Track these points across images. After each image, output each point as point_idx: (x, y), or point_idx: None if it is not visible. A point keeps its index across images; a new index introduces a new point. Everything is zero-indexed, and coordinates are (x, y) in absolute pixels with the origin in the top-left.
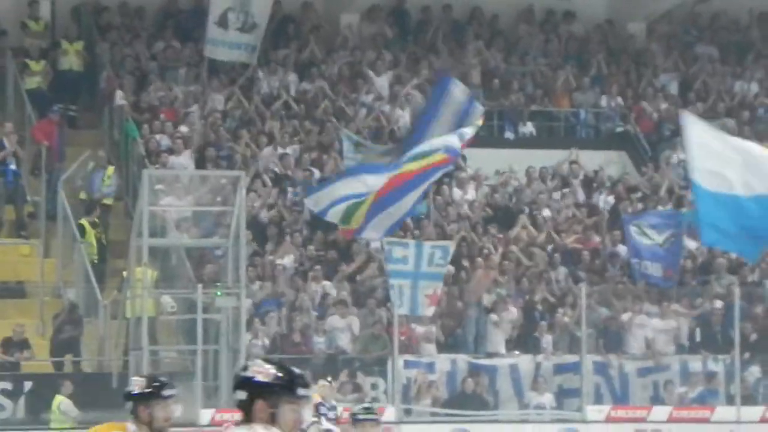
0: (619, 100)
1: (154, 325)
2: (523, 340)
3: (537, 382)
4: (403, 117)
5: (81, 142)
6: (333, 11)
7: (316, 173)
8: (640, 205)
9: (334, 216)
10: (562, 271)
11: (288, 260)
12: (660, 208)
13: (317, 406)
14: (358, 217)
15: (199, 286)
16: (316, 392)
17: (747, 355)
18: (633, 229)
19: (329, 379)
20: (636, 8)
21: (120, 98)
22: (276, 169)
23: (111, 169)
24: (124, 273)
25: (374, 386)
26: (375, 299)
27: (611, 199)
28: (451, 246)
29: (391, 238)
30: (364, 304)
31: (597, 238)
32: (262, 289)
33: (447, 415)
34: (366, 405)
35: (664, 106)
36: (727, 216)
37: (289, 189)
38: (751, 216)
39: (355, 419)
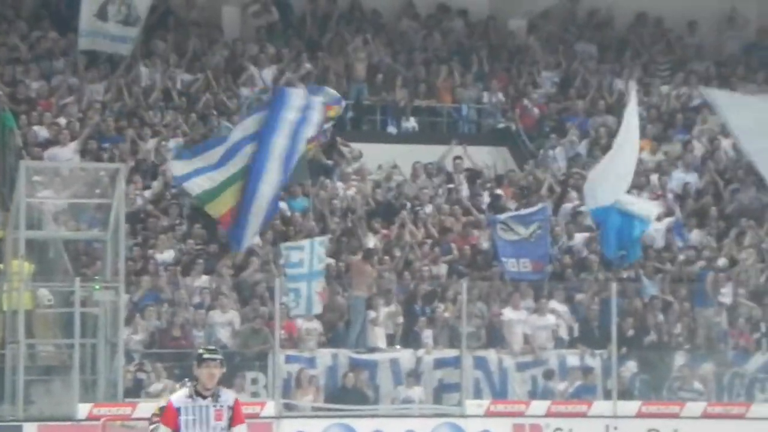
0: (501, 96)
1: (31, 319)
2: (404, 335)
3: (410, 377)
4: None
5: None
6: (215, 4)
7: None
8: (520, 202)
9: (192, 188)
10: (443, 266)
11: (168, 255)
12: (540, 204)
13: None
14: (219, 205)
15: (77, 279)
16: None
17: (624, 350)
18: (500, 228)
19: None
20: (516, 5)
21: None
22: (158, 162)
23: None
24: (0, 266)
25: (254, 381)
26: (256, 294)
27: (493, 195)
28: (326, 240)
29: (288, 243)
30: (246, 300)
31: (477, 234)
32: (141, 284)
33: (327, 409)
34: (211, 347)
35: (544, 102)
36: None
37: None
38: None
39: (200, 360)
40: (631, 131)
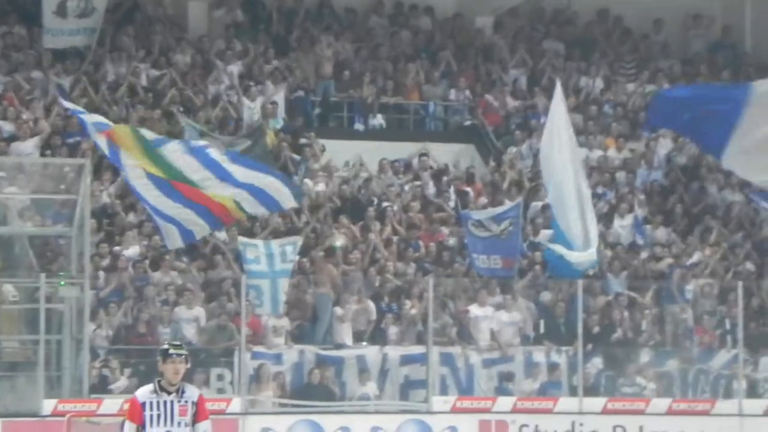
0: (468, 93)
1: None
2: (371, 332)
3: (362, 374)
4: (252, 108)
5: None
6: (181, 1)
7: None
8: (486, 199)
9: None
10: (410, 262)
11: (133, 251)
12: (507, 201)
13: None
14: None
15: (42, 275)
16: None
17: (589, 347)
18: (471, 225)
19: None
20: (483, 3)
21: None
22: None
23: None
24: None
25: (220, 377)
26: (223, 291)
27: (460, 191)
28: (299, 241)
29: (243, 239)
30: (212, 296)
31: (444, 231)
32: (107, 280)
33: (293, 405)
34: (176, 343)
35: (511, 100)
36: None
37: None
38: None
39: (165, 355)
40: (556, 126)
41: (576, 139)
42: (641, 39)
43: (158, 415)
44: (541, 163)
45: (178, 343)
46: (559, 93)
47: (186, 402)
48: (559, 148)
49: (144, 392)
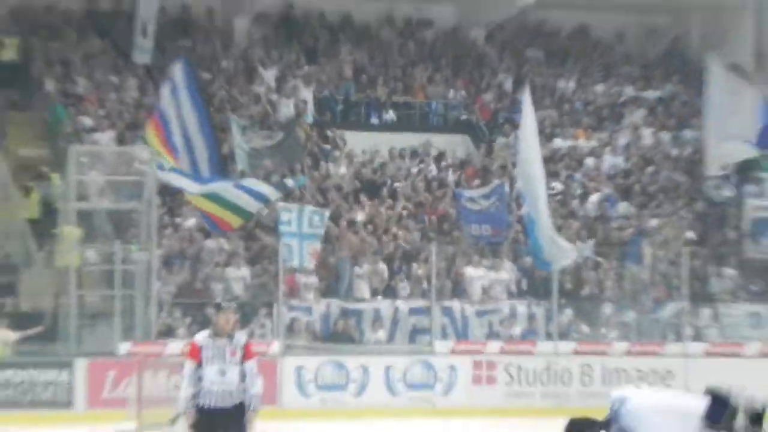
0: (464, 93)
1: (81, 274)
2: (384, 289)
3: (376, 323)
4: (287, 105)
5: (19, 121)
6: (228, 16)
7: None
8: (478, 180)
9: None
10: (417, 232)
11: (191, 222)
12: (496, 181)
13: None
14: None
15: (118, 242)
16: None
17: (563, 301)
18: (465, 201)
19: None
20: (476, 18)
21: (49, 86)
22: None
23: None
24: (56, 231)
25: (262, 326)
26: (264, 255)
27: (456, 173)
28: (326, 212)
29: (282, 204)
30: (256, 259)
31: (443, 206)
32: (170, 246)
33: (321, 348)
34: (228, 297)
35: (499, 99)
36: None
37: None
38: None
39: (218, 308)
40: (529, 133)
41: (548, 133)
42: (607, 49)
43: (213, 356)
44: (517, 159)
45: (229, 297)
46: (528, 98)
47: (235, 345)
48: (528, 144)
49: (201, 337)
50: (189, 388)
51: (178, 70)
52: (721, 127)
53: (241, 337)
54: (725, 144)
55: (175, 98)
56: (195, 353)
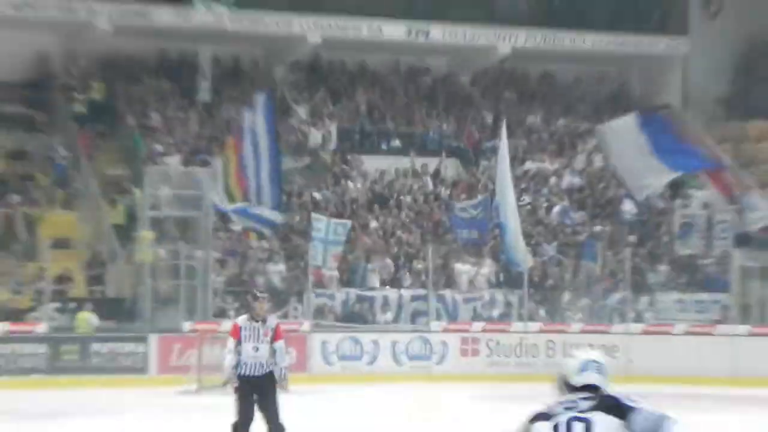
0: (454, 125)
1: (154, 268)
2: (391, 280)
3: (385, 307)
4: (315, 135)
5: (106, 148)
6: (269, 66)
7: None
8: (465, 195)
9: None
10: (417, 235)
11: (239, 226)
12: (479, 196)
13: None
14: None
15: (182, 242)
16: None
17: (532, 290)
18: (458, 210)
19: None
20: (464, 66)
21: (129, 120)
22: None
23: None
24: (135, 234)
25: (295, 309)
26: (297, 254)
27: (448, 189)
28: (349, 224)
29: (315, 215)
30: (290, 257)
31: (439, 214)
32: (223, 245)
33: (341, 327)
34: (261, 289)
35: (482, 130)
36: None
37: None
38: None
39: (254, 297)
40: (504, 159)
41: (521, 157)
42: (566, 91)
43: (249, 335)
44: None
45: (262, 290)
46: (504, 130)
47: (268, 327)
48: (503, 166)
49: (242, 319)
50: (231, 359)
51: (260, 102)
52: (633, 170)
53: (272, 320)
54: (643, 179)
55: (254, 124)
56: (236, 332)
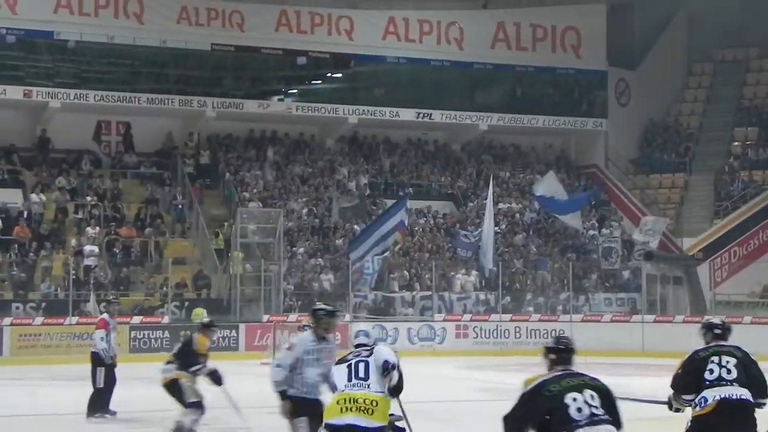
0: (449, 178)
1: (242, 278)
2: (406, 285)
3: (403, 304)
4: (354, 185)
5: (210, 196)
6: (322, 137)
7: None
8: (459, 227)
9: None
10: (425, 254)
11: (302, 248)
12: (470, 228)
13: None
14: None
15: (262, 260)
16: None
17: (504, 292)
18: (461, 236)
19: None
20: (456, 138)
21: (227, 177)
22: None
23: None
24: (230, 255)
25: (341, 305)
26: (342, 267)
27: (446, 222)
28: (387, 253)
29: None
30: (336, 269)
31: (439, 240)
32: (289, 262)
33: (372, 318)
34: (322, 302)
35: (469, 182)
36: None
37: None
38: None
39: (332, 314)
40: (489, 206)
41: (495, 200)
42: (526, 154)
43: (314, 359)
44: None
45: (324, 302)
46: (491, 184)
47: (332, 347)
48: (489, 209)
49: (302, 337)
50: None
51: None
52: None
53: (332, 340)
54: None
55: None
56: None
